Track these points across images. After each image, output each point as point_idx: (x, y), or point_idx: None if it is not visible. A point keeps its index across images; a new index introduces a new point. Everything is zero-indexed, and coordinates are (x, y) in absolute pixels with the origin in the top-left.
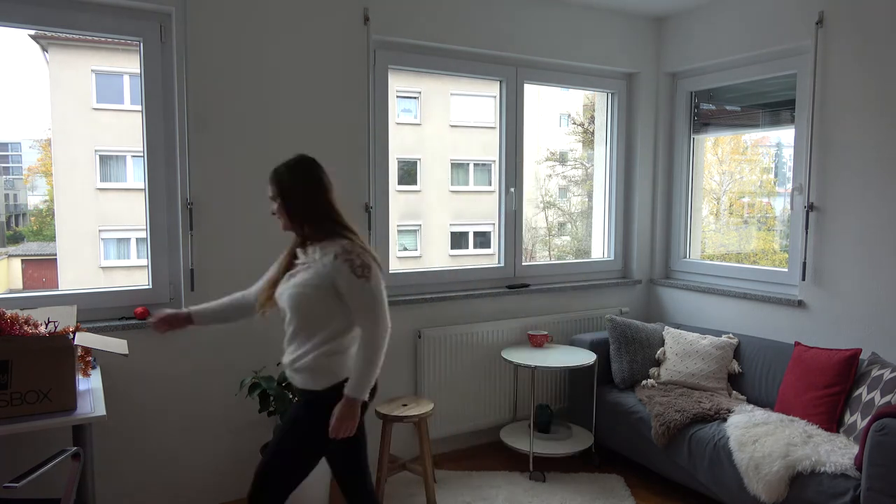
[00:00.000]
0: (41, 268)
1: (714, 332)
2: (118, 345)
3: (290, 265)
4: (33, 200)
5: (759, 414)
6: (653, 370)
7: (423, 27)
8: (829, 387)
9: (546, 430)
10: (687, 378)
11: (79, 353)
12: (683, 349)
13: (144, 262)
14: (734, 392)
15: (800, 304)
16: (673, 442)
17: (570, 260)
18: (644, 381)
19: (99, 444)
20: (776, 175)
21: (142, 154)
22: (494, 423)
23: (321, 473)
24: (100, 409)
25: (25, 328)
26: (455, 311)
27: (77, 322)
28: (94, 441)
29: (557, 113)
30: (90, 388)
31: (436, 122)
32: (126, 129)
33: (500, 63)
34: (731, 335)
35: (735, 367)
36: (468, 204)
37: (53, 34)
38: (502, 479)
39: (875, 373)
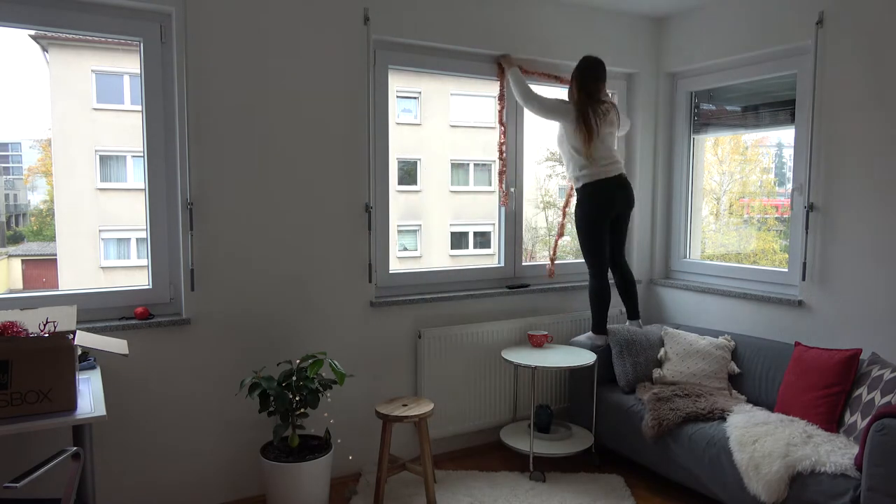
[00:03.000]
0: (41, 268)
1: (714, 332)
2: (118, 345)
3: None
4: (33, 200)
5: (759, 414)
6: (655, 371)
7: (423, 27)
8: (829, 387)
9: (546, 430)
10: (688, 378)
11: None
12: (684, 349)
13: (144, 262)
14: (734, 392)
15: (800, 304)
16: (672, 441)
17: (570, 260)
18: (645, 382)
19: (99, 444)
20: (776, 175)
21: (142, 154)
22: (494, 423)
23: (321, 473)
24: (100, 409)
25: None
26: (455, 311)
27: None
28: (94, 441)
29: None
30: (90, 388)
31: (436, 122)
32: (126, 129)
33: None
34: (730, 335)
35: (735, 367)
36: (468, 204)
37: (53, 34)
38: (502, 480)
39: (875, 373)
